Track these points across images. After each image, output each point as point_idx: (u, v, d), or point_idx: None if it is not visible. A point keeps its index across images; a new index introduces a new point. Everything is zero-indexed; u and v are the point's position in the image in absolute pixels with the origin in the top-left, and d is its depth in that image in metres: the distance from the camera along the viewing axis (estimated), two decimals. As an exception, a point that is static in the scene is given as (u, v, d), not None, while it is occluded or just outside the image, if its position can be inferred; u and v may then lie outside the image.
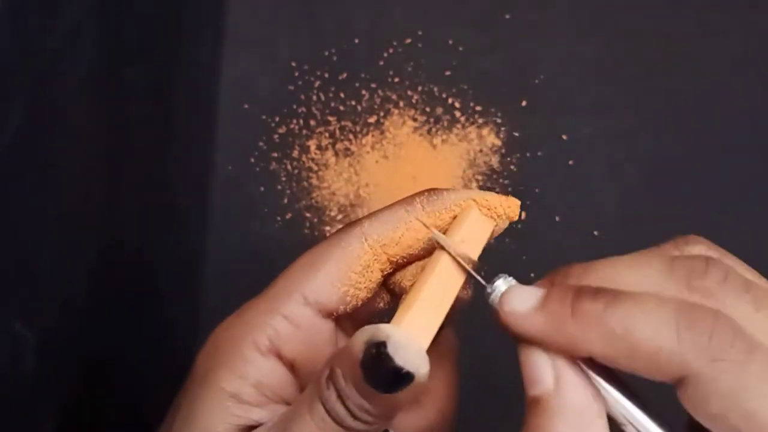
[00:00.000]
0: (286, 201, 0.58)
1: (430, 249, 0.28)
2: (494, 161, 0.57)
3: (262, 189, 0.58)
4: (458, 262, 0.26)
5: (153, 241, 0.50)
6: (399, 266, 0.29)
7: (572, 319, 0.22)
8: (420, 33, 0.61)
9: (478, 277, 0.26)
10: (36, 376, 0.37)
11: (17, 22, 0.36)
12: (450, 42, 0.61)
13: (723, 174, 0.57)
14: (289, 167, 0.58)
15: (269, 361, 0.28)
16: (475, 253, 0.27)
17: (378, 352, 0.23)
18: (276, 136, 0.59)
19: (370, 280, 0.29)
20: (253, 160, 0.58)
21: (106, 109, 0.44)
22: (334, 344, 0.29)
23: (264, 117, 0.59)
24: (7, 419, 0.35)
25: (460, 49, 0.60)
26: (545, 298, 0.23)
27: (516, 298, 0.24)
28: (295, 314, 0.28)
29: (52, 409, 0.37)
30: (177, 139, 0.55)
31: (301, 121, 0.59)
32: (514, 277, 0.25)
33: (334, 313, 0.29)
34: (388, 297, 0.31)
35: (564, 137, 0.58)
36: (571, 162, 0.57)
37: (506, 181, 0.57)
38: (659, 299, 0.22)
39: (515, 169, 0.58)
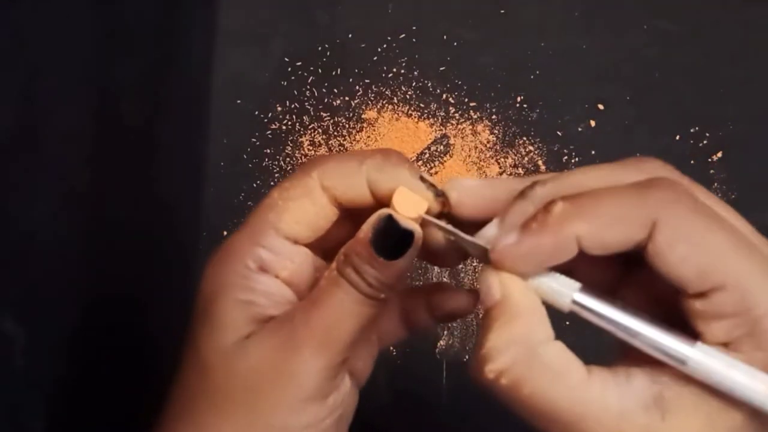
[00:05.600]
0: (279, 197, 0.57)
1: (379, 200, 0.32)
2: (488, 157, 0.57)
3: (254, 185, 0.57)
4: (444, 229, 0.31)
5: (145, 238, 0.50)
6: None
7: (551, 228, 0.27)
8: (414, 28, 0.60)
9: (469, 237, 0.30)
10: (26, 375, 0.36)
11: (8, 17, 0.36)
12: (444, 37, 0.60)
13: (720, 170, 0.57)
14: (282, 163, 0.58)
15: (269, 278, 0.33)
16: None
17: (385, 224, 0.30)
18: (269, 132, 0.59)
19: (327, 214, 0.33)
20: (245, 156, 0.58)
21: (98, 105, 0.44)
22: (312, 264, 0.34)
23: (257, 113, 0.59)
24: (-4, 418, 0.35)
25: (455, 44, 0.60)
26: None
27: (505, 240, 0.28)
28: (272, 245, 0.33)
29: (42, 408, 0.37)
30: (169, 134, 0.55)
31: (294, 117, 0.59)
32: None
33: (301, 241, 0.33)
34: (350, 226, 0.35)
35: (559, 133, 0.58)
36: (566, 158, 0.57)
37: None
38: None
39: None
